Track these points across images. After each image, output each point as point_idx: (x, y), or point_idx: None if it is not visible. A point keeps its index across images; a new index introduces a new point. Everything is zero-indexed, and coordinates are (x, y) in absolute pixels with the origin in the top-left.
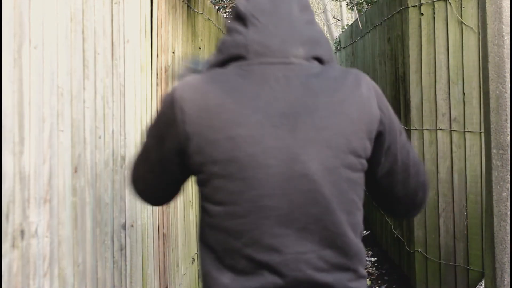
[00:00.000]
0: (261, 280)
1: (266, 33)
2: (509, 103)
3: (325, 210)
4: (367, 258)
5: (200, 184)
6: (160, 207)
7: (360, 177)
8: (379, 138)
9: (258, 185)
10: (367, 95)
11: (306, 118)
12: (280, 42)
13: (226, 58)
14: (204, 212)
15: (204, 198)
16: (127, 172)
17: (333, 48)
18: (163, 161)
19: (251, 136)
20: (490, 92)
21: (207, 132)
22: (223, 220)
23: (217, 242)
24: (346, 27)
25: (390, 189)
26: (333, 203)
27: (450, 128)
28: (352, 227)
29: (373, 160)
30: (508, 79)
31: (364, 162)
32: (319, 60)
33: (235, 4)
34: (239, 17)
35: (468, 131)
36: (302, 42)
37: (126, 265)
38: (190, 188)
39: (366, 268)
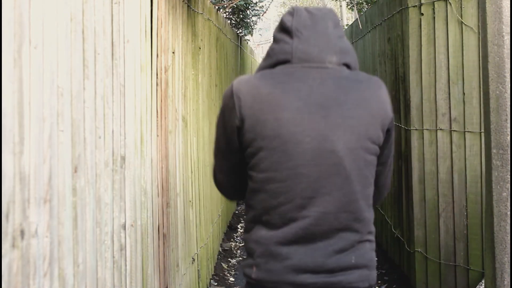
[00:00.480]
0: (287, 231)
1: (308, 43)
2: (509, 103)
3: (346, 181)
4: None
5: (249, 156)
6: (160, 207)
7: (373, 159)
8: (387, 133)
9: (295, 157)
10: (384, 98)
11: (336, 109)
12: (318, 51)
13: (275, 62)
14: (250, 179)
15: (251, 168)
16: (127, 172)
17: None
18: (229, 144)
19: (293, 119)
20: (490, 92)
21: (258, 114)
22: (265, 184)
23: (258, 202)
24: (346, 27)
25: (377, 177)
26: (352, 176)
27: (450, 128)
28: (364, 198)
29: (380, 150)
30: (508, 79)
31: (377, 148)
32: (348, 66)
33: (281, 18)
34: (285, 30)
35: (468, 131)
36: (335, 51)
37: (126, 265)
38: (190, 188)
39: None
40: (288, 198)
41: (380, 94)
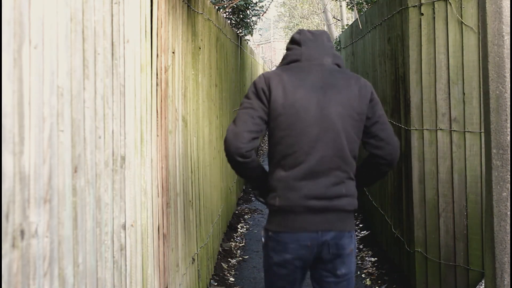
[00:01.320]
0: (298, 170)
1: (311, 49)
2: (509, 103)
3: (337, 137)
4: (367, 258)
5: (272, 119)
6: (160, 207)
7: (357, 124)
8: (371, 102)
9: (303, 120)
10: (364, 84)
11: (330, 90)
12: (318, 54)
13: (289, 61)
14: (271, 136)
15: (273, 128)
16: (127, 172)
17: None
18: (260, 102)
19: (302, 95)
20: (490, 92)
21: (280, 91)
22: (282, 139)
23: (278, 152)
24: (346, 27)
25: (376, 133)
26: (341, 134)
27: (450, 128)
28: (350, 150)
29: (366, 116)
30: (508, 79)
31: (362, 116)
32: (338, 65)
33: (292, 36)
34: (295, 42)
35: (468, 131)
36: (329, 55)
37: (126, 265)
38: (190, 188)
39: (366, 268)
40: (298, 148)
41: (360, 82)
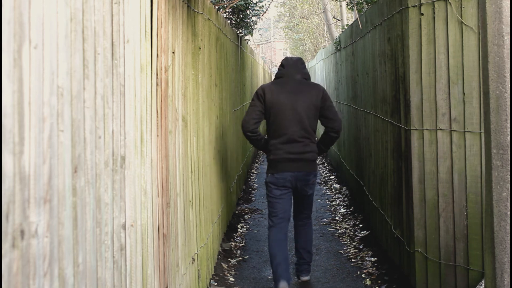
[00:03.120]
0: (281, 138)
1: (290, 70)
2: (509, 103)
3: (302, 120)
4: (367, 258)
5: (267, 111)
6: (160, 207)
7: (313, 111)
8: (322, 99)
9: (283, 111)
10: (318, 89)
11: (299, 93)
12: (293, 73)
13: (276, 77)
14: (267, 121)
15: (268, 116)
16: (127, 172)
17: (334, 48)
18: (260, 103)
19: (283, 96)
20: (490, 92)
21: (270, 95)
22: (273, 122)
23: (271, 129)
24: (346, 27)
25: (326, 115)
26: (304, 119)
27: (450, 128)
28: (310, 126)
29: (319, 107)
30: (508, 79)
31: (315, 106)
32: (306, 79)
33: (281, 61)
34: (282, 65)
35: (468, 131)
36: (300, 73)
37: (126, 265)
38: (190, 188)
39: (366, 268)
40: (281, 126)
41: (316, 87)
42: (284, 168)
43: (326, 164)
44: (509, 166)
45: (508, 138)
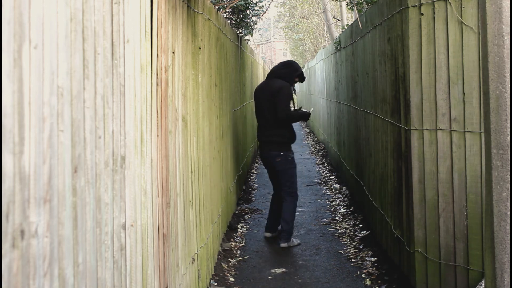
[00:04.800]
0: (258, 125)
1: (270, 72)
2: (509, 103)
3: (266, 110)
4: (367, 258)
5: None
6: (160, 207)
7: (272, 104)
8: (275, 94)
9: (258, 104)
10: (275, 85)
11: (266, 89)
12: (270, 74)
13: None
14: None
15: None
16: (127, 172)
17: (333, 48)
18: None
19: (259, 93)
20: (490, 92)
21: (255, 92)
22: (256, 113)
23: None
24: (346, 27)
25: (275, 107)
26: (265, 109)
27: (450, 128)
28: (271, 118)
29: (274, 99)
30: (508, 79)
31: (273, 99)
32: (281, 77)
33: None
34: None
35: (468, 131)
36: (274, 74)
37: (126, 265)
38: (190, 188)
39: (366, 268)
40: (257, 116)
41: (275, 84)
42: (262, 149)
43: (326, 164)
44: (509, 166)
45: (508, 138)
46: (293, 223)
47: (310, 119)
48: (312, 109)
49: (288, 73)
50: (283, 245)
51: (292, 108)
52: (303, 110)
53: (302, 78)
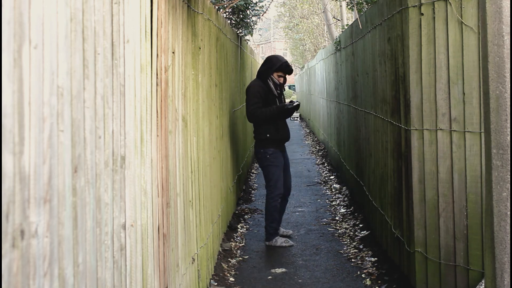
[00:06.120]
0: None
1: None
2: (509, 103)
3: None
4: (367, 258)
5: None
6: (160, 207)
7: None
8: (246, 93)
9: None
10: (248, 86)
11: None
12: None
13: None
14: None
15: None
16: (127, 172)
17: (333, 48)
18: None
19: None
20: (490, 92)
21: None
22: None
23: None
24: (346, 27)
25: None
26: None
27: (450, 128)
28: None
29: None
30: (508, 79)
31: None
32: (259, 74)
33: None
34: None
35: (468, 131)
36: (257, 74)
37: (126, 265)
38: (190, 188)
39: (366, 268)
40: None
41: (248, 85)
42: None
43: (326, 164)
44: (509, 166)
45: (508, 138)
46: (274, 223)
47: (310, 119)
48: (296, 102)
49: (264, 70)
50: (266, 243)
51: (288, 102)
52: (294, 102)
53: (286, 71)
